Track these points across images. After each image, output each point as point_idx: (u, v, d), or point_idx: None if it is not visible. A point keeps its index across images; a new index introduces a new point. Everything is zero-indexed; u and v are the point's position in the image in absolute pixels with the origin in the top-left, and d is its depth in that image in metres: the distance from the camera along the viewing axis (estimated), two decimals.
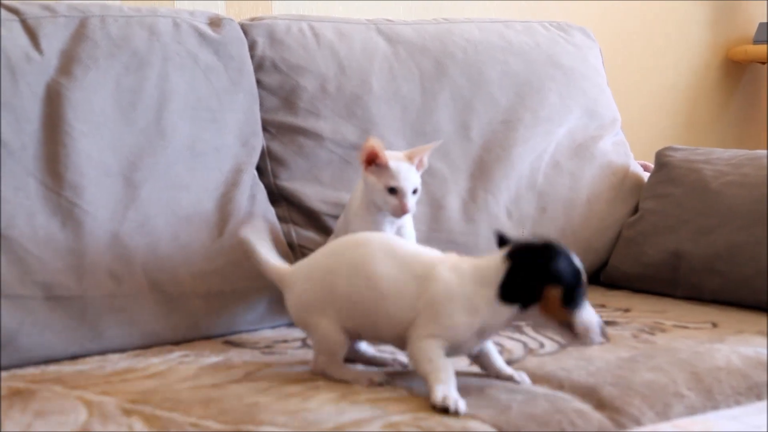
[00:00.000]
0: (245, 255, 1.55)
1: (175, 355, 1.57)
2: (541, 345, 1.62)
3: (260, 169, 1.88)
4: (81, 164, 1.64)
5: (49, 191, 1.62)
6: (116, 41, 1.73)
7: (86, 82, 1.68)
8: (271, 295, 1.74)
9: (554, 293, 1.32)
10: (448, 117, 2.05)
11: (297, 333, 1.70)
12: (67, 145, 1.64)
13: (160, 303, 1.64)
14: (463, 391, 1.33)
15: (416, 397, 1.35)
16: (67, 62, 1.68)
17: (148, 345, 1.61)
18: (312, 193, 1.90)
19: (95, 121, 1.68)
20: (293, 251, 1.86)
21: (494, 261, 1.35)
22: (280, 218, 1.88)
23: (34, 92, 1.64)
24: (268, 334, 1.71)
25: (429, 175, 1.99)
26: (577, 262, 1.35)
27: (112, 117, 1.70)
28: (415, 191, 1.63)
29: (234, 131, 1.82)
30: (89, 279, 1.59)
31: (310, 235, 1.88)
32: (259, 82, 1.89)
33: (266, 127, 1.90)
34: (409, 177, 1.62)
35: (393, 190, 1.61)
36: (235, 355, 1.56)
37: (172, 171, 1.73)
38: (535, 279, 1.32)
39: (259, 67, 1.90)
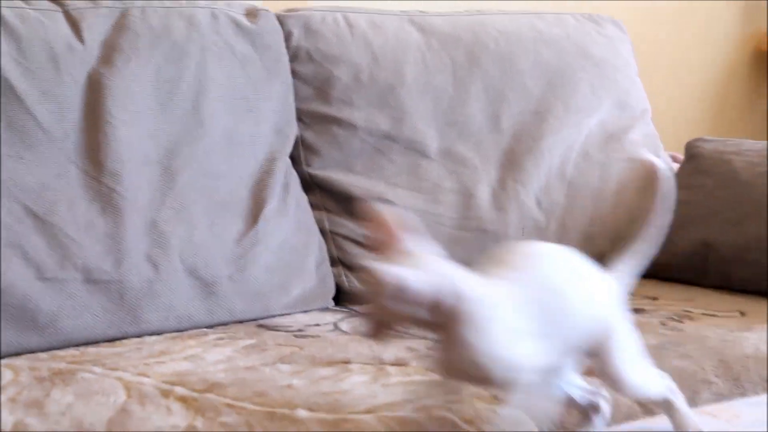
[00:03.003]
0: None
1: (210, 338, 1.59)
2: None
3: (294, 158, 1.91)
4: (121, 152, 1.67)
5: (90, 178, 1.64)
6: (156, 32, 1.75)
7: (127, 71, 1.70)
8: (305, 281, 1.78)
9: None
10: (480, 108, 2.06)
11: (329, 317, 1.73)
12: (108, 134, 1.67)
13: (196, 288, 1.67)
14: None
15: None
16: (109, 52, 1.70)
17: (183, 328, 1.64)
18: (345, 181, 1.92)
19: (135, 110, 1.70)
20: (325, 237, 1.89)
21: None
22: (313, 205, 1.90)
23: (76, 81, 1.67)
24: (300, 318, 1.73)
25: (460, 164, 2.01)
26: None
27: (151, 106, 1.72)
28: None
29: (269, 120, 1.84)
30: (127, 264, 1.61)
31: (343, 221, 1.91)
32: (294, 72, 1.91)
33: (300, 116, 1.92)
34: None
35: None
36: (269, 339, 1.58)
37: (209, 159, 1.75)
38: None
39: (294, 57, 1.92)
